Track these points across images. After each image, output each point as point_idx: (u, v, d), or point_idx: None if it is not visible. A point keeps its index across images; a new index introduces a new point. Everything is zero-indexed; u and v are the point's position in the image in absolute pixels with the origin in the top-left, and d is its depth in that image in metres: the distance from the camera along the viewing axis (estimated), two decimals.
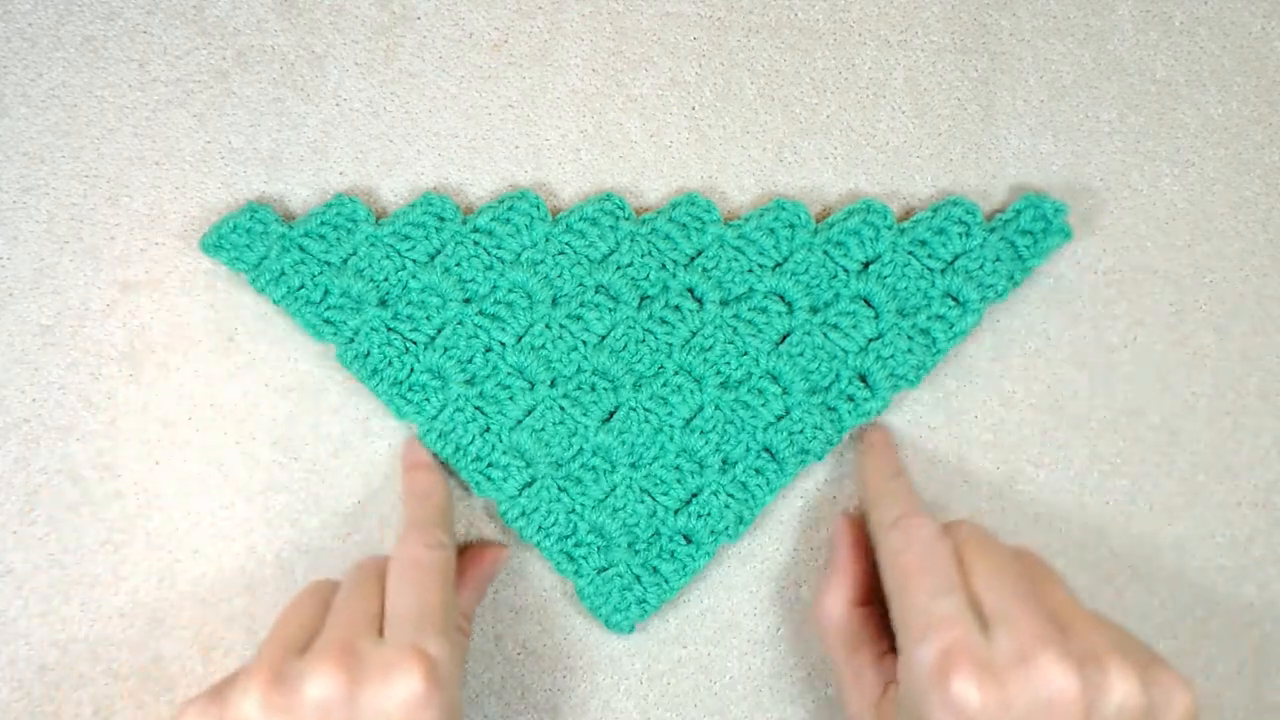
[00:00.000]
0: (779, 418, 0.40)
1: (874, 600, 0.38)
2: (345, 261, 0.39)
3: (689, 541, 0.40)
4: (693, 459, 0.40)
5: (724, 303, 0.40)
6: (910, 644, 0.33)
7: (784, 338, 0.40)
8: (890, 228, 0.40)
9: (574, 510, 0.40)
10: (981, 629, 0.32)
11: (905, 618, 0.34)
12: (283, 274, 0.39)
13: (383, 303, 0.39)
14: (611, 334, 0.40)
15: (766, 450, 0.40)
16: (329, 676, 0.31)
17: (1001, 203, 0.42)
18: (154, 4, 0.41)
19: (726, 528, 0.40)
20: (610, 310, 0.40)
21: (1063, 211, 0.40)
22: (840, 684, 0.37)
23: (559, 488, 0.40)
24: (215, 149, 0.41)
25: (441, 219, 0.39)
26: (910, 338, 0.40)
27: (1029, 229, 0.40)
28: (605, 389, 0.40)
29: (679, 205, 0.40)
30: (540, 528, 0.39)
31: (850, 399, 0.40)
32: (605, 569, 0.40)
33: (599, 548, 0.40)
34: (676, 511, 0.40)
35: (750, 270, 0.40)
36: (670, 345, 0.40)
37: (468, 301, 0.40)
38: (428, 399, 0.39)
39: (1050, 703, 0.31)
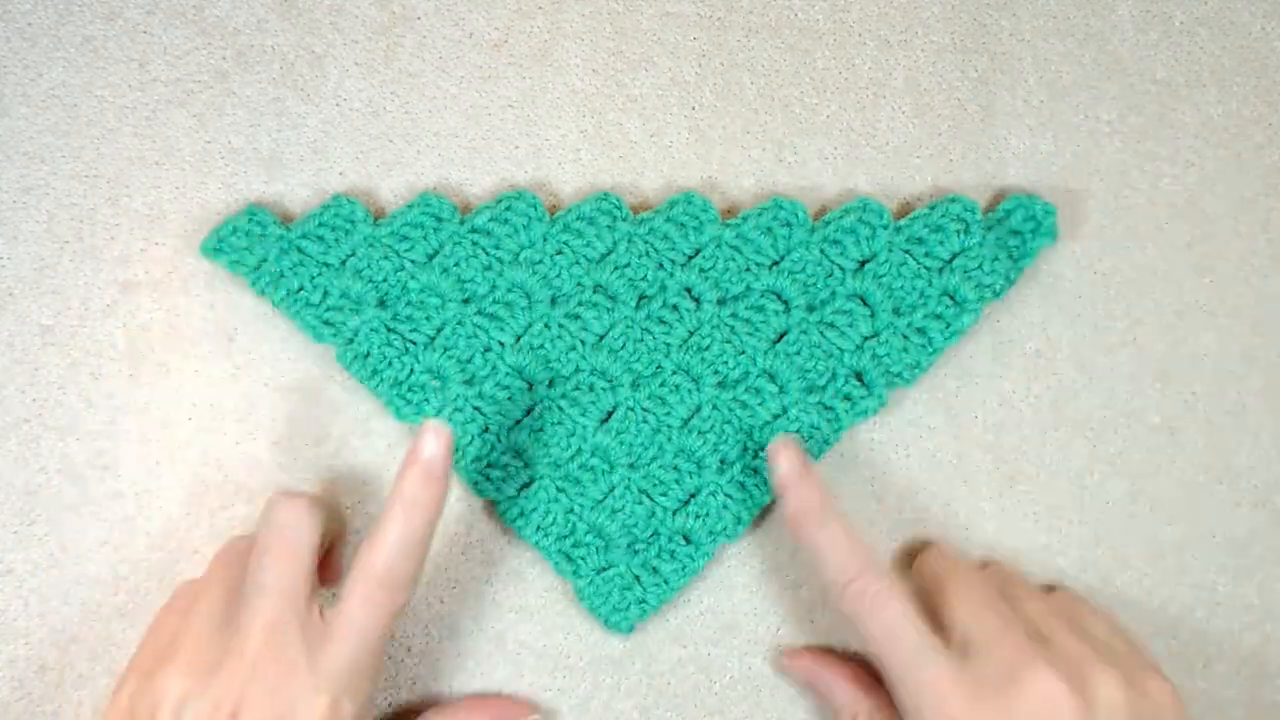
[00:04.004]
0: (776, 416, 0.40)
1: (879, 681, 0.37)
2: (344, 262, 0.39)
3: (688, 542, 0.40)
4: (691, 459, 0.40)
5: (721, 302, 0.40)
6: (910, 717, 0.34)
7: (781, 336, 0.40)
8: (886, 226, 0.40)
9: (572, 510, 0.40)
10: (962, 669, 0.33)
11: (896, 693, 0.34)
12: (282, 276, 0.39)
13: (382, 303, 0.39)
14: (610, 334, 0.40)
15: (763, 450, 0.40)
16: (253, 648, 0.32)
17: (990, 204, 0.42)
18: (154, 4, 0.41)
19: (725, 528, 0.40)
20: (608, 310, 0.40)
21: (1052, 213, 0.40)
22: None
23: (558, 488, 0.40)
24: (215, 149, 0.41)
25: (439, 219, 0.39)
26: (906, 336, 0.40)
27: (1018, 229, 0.40)
28: (603, 389, 0.40)
29: (676, 205, 0.40)
30: (539, 528, 0.39)
31: (847, 398, 0.40)
32: (604, 569, 0.40)
33: (598, 548, 0.40)
34: (675, 512, 0.40)
35: (747, 269, 0.40)
36: (668, 345, 0.40)
37: (467, 301, 0.40)
38: (427, 399, 0.39)
39: (1047, 715, 0.31)
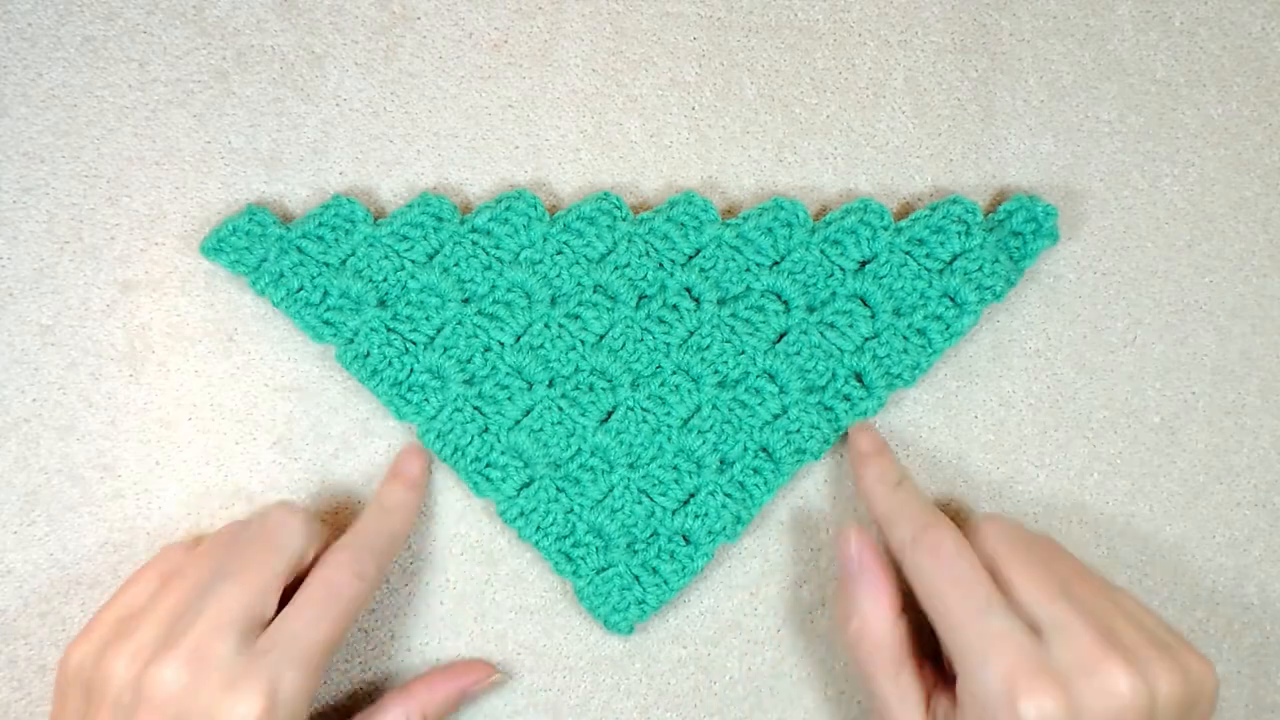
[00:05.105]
0: (776, 417, 0.40)
1: (905, 609, 0.37)
2: (344, 262, 0.39)
3: (688, 542, 0.40)
4: (690, 459, 0.40)
5: (721, 302, 0.40)
6: (970, 666, 0.33)
7: (781, 336, 0.40)
8: (887, 227, 0.40)
9: (572, 510, 0.40)
10: (1034, 639, 0.33)
11: (957, 639, 0.34)
12: (282, 276, 0.39)
13: (382, 303, 0.39)
14: (609, 333, 0.40)
15: (763, 450, 0.40)
16: (173, 674, 0.32)
17: (991, 204, 0.42)
18: (154, 4, 0.41)
19: (724, 528, 0.40)
20: (608, 310, 0.40)
21: (1053, 215, 0.40)
22: (882, 704, 0.36)
23: (557, 488, 0.40)
24: (215, 149, 0.41)
25: (439, 219, 0.39)
26: (906, 337, 0.40)
27: (1019, 230, 0.40)
28: (603, 389, 0.40)
29: (676, 204, 0.40)
30: (539, 528, 0.39)
31: (847, 398, 0.40)
32: (604, 569, 0.40)
33: (597, 548, 0.40)
34: (674, 512, 0.40)
35: (747, 269, 0.40)
36: (668, 345, 0.40)
37: (466, 301, 0.40)
38: (427, 399, 0.39)
39: (1117, 710, 0.32)
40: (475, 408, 0.39)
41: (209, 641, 0.32)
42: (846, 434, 0.41)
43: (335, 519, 0.40)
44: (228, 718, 0.31)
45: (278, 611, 0.34)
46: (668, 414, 0.40)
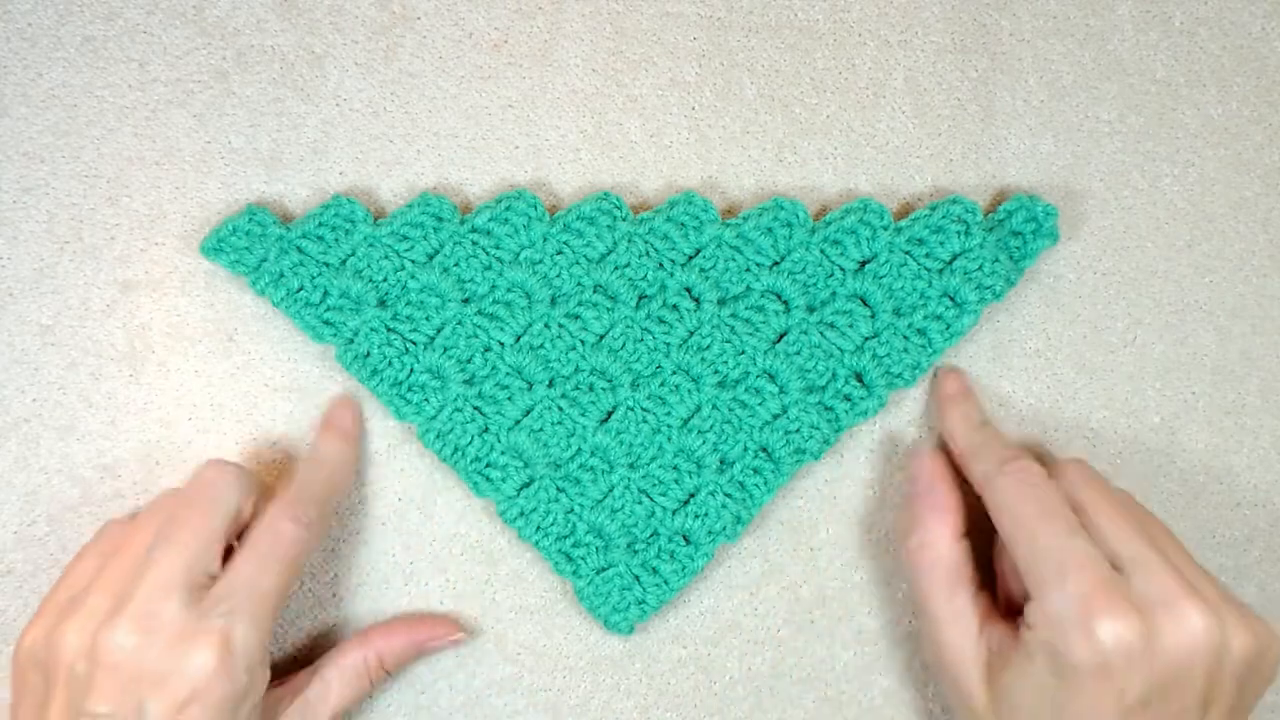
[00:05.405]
0: (776, 417, 0.40)
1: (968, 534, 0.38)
2: (344, 262, 0.39)
3: (688, 542, 0.40)
4: (690, 459, 0.40)
5: (721, 302, 0.40)
6: (1046, 587, 0.34)
7: (781, 336, 0.40)
8: (887, 227, 0.40)
9: (572, 510, 0.40)
10: (1115, 570, 0.33)
11: (1034, 562, 0.34)
12: (282, 276, 0.39)
13: (382, 303, 0.39)
14: (609, 334, 0.40)
15: (763, 450, 0.40)
16: (124, 637, 0.32)
17: (991, 204, 0.42)
18: (154, 4, 0.41)
19: (724, 528, 0.40)
20: (608, 310, 0.40)
21: (1053, 215, 0.40)
22: (934, 623, 0.37)
23: (557, 488, 0.40)
24: (215, 149, 0.41)
25: (439, 219, 0.39)
26: (906, 337, 0.40)
27: (1019, 230, 0.40)
28: (603, 389, 0.40)
29: (676, 204, 0.40)
30: (539, 528, 0.39)
31: (847, 398, 0.40)
32: (604, 569, 0.40)
33: (598, 548, 0.40)
34: (675, 512, 0.40)
35: (747, 269, 0.40)
36: (668, 345, 0.40)
37: (466, 301, 0.40)
38: (427, 399, 0.39)
39: (1190, 647, 0.32)
40: (475, 408, 0.39)
41: (156, 602, 0.33)
42: (935, 375, 0.41)
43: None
44: (184, 672, 0.32)
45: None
46: (668, 414, 0.40)
